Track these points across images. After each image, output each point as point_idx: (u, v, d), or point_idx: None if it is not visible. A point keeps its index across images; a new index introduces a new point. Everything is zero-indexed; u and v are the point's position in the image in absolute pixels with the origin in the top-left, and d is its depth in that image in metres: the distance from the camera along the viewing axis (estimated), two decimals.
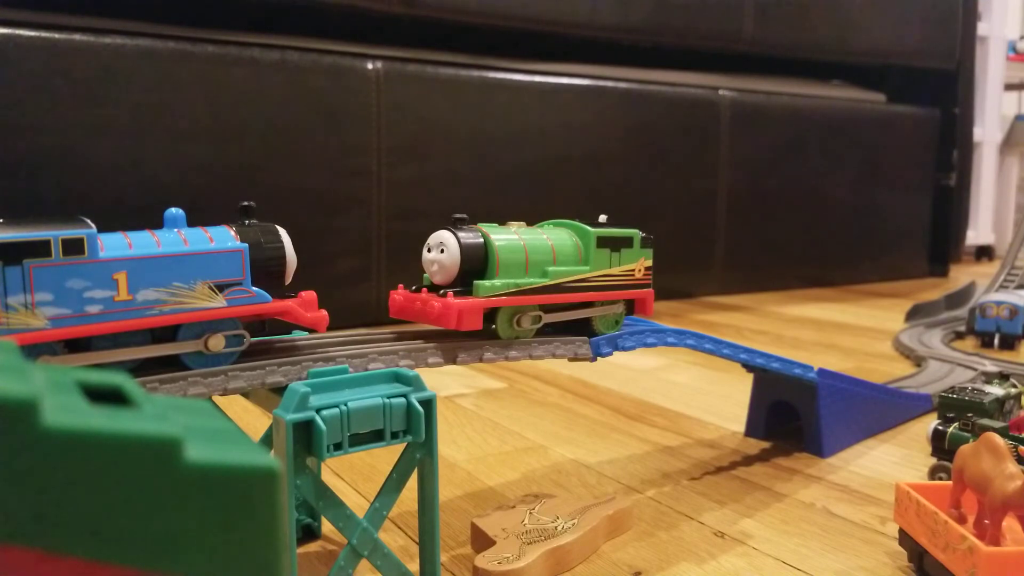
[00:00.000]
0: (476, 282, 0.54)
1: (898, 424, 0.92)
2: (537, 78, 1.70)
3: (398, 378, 0.47)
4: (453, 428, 0.91)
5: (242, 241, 0.47)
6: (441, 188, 1.58)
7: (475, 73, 1.62)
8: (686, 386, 1.11)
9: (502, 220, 0.63)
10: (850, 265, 2.32)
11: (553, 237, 0.60)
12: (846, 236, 2.29)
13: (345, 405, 0.43)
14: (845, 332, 1.56)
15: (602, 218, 0.66)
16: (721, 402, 1.02)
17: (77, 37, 1.24)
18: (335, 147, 1.47)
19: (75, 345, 0.42)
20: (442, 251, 0.55)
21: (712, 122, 1.99)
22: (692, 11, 1.86)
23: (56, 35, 1.22)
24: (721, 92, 1.99)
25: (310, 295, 0.49)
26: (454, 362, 0.54)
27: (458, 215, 0.56)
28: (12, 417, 0.15)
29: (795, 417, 0.84)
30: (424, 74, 1.55)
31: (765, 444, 0.86)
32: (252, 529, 0.18)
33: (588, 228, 0.62)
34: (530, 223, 0.64)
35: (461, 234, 0.55)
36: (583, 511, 0.62)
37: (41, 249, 0.39)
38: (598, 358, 0.63)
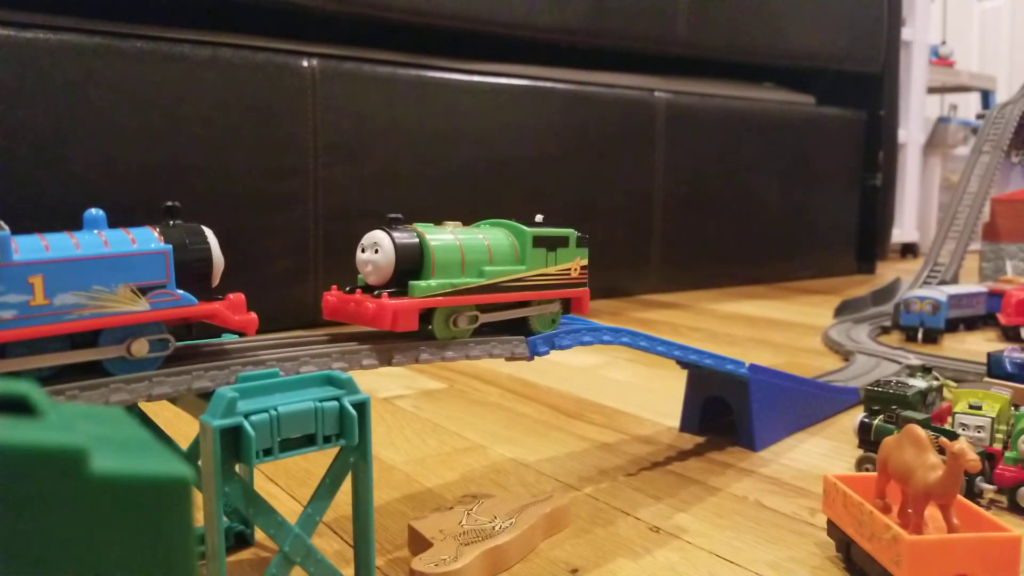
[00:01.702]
0: (411, 282, 0.54)
1: (827, 417, 0.95)
2: (476, 78, 1.69)
3: (331, 381, 0.46)
4: (391, 430, 0.90)
5: (166, 242, 0.46)
6: (379, 188, 1.56)
7: (412, 72, 1.61)
8: (623, 383, 1.12)
9: (439, 220, 0.63)
10: (782, 263, 2.38)
11: (489, 237, 0.60)
12: (778, 235, 2.35)
13: (275, 410, 0.43)
14: (777, 328, 1.60)
15: (538, 218, 0.66)
16: (657, 398, 1.03)
17: None
18: (270, 146, 1.44)
19: None
20: (376, 251, 0.54)
21: (648, 123, 2.02)
22: (628, 13, 1.89)
23: None
24: (657, 94, 2.02)
25: (239, 297, 0.48)
26: (389, 363, 0.54)
27: (392, 215, 0.56)
28: None
29: (728, 412, 0.86)
30: (361, 72, 1.54)
31: (699, 439, 0.87)
32: (165, 538, 0.18)
33: (524, 228, 0.62)
34: (469, 223, 0.64)
35: (396, 234, 0.55)
36: (521, 510, 0.62)
37: None
38: (535, 357, 0.63)
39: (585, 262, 0.66)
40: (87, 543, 0.17)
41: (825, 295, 2.10)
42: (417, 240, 0.55)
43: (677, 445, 0.85)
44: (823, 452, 0.83)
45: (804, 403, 0.92)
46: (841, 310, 1.70)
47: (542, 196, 1.81)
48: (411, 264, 0.55)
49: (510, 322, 0.63)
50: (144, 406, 0.52)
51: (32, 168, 1.23)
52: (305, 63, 1.47)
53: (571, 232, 0.65)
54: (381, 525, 0.65)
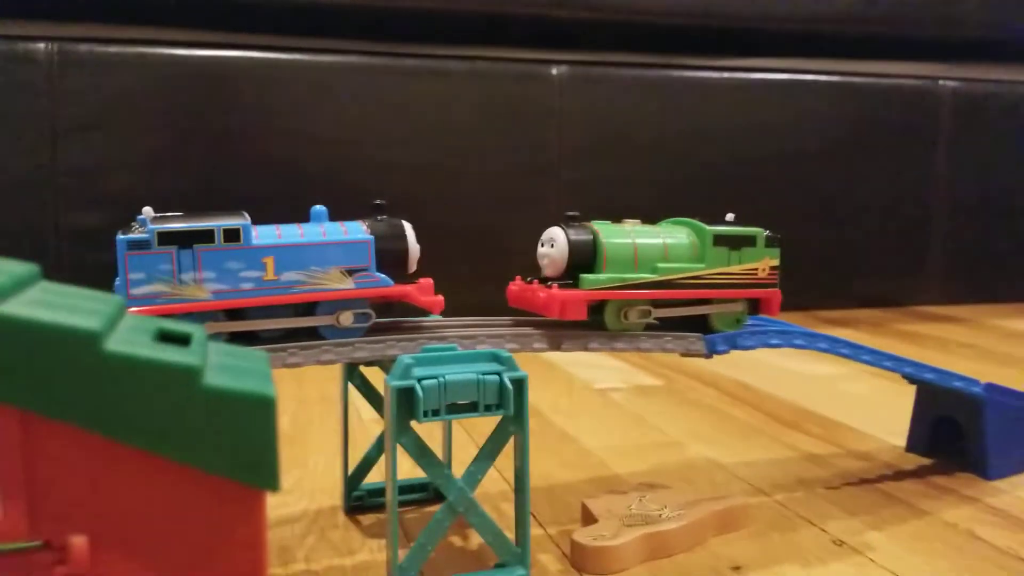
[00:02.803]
0: (581, 275, 0.58)
1: None
2: (725, 74, 1.67)
3: (496, 358, 0.52)
4: (596, 418, 0.94)
5: (371, 234, 0.55)
6: (619, 188, 1.61)
7: (658, 72, 1.63)
8: (857, 397, 1.06)
9: (655, 219, 0.66)
10: None
11: (668, 235, 0.63)
12: None
13: (443, 377, 0.49)
14: None
15: (729, 216, 0.67)
16: (891, 415, 0.96)
17: (293, 57, 1.42)
18: (520, 149, 1.55)
19: (233, 314, 0.51)
20: (552, 246, 0.59)
21: (930, 115, 1.84)
22: None
23: (273, 55, 1.41)
24: (941, 83, 1.84)
25: (427, 281, 0.56)
26: (559, 348, 0.59)
27: (570, 213, 0.61)
28: (80, 343, 0.22)
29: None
30: (606, 76, 1.60)
31: (925, 461, 0.81)
32: (251, 443, 0.24)
33: (704, 226, 0.63)
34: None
35: (570, 231, 0.59)
36: (693, 504, 0.63)
37: (207, 236, 0.49)
38: (714, 355, 0.64)
39: (775, 262, 0.65)
40: (195, 434, 0.24)
41: None
42: (590, 237, 0.59)
43: (896, 464, 0.80)
44: None
45: None
46: None
47: (793, 195, 1.74)
48: (584, 259, 0.59)
49: (690, 320, 0.64)
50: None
51: (325, 169, 1.44)
52: (554, 71, 1.56)
53: (759, 231, 0.65)
54: (563, 500, 0.70)
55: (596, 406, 1.00)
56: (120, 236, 0.47)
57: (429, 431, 0.53)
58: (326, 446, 0.84)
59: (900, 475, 0.77)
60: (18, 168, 1.28)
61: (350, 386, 0.66)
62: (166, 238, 0.48)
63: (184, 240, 0.49)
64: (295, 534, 0.62)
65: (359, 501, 0.66)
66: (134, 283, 0.47)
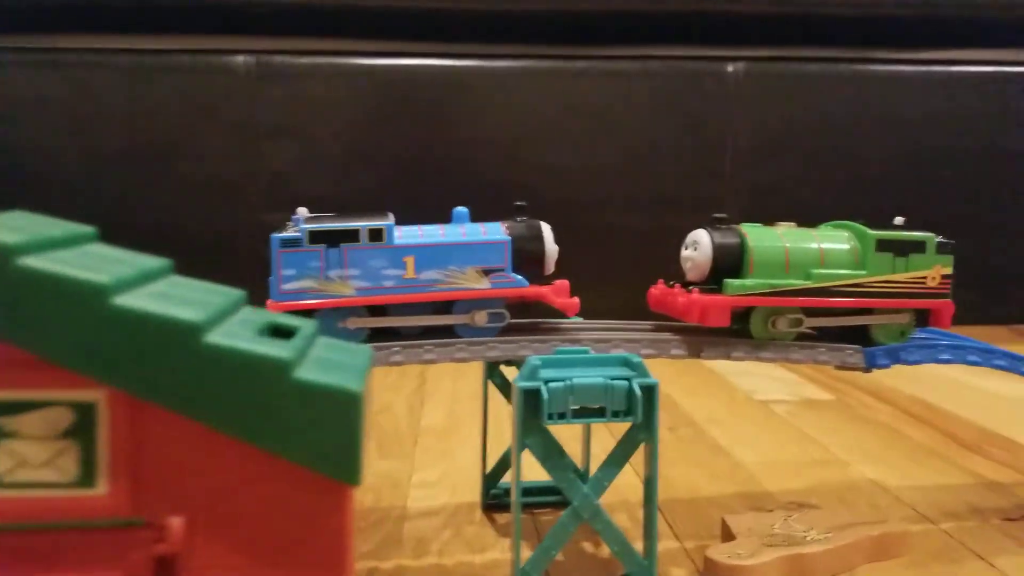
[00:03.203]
0: (725, 280, 0.56)
1: None
2: (922, 68, 1.54)
3: (627, 363, 0.51)
4: (755, 431, 0.90)
5: (510, 235, 0.55)
6: (800, 189, 1.52)
7: (845, 67, 1.53)
8: None
9: (816, 222, 0.62)
10: None
11: (825, 239, 0.59)
12: None
13: (570, 380, 0.49)
14: None
15: (898, 220, 0.61)
16: None
17: (467, 63, 1.47)
18: (692, 150, 1.51)
19: (375, 311, 0.54)
20: (696, 249, 0.57)
21: None
22: None
23: (449, 63, 1.47)
24: None
25: (563, 283, 0.56)
26: (698, 356, 0.56)
27: (717, 215, 0.58)
28: (180, 333, 0.24)
29: None
30: (788, 71, 1.51)
31: None
32: (336, 437, 0.25)
33: (867, 230, 0.58)
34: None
35: (716, 233, 0.57)
36: (844, 527, 0.59)
37: (353, 236, 0.52)
38: (874, 369, 0.59)
39: (948, 270, 0.59)
40: (285, 423, 0.25)
41: None
42: (737, 240, 0.57)
43: None
44: None
45: None
46: None
47: (998, 197, 1.57)
48: (729, 262, 0.56)
49: (849, 330, 0.60)
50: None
51: (496, 171, 1.48)
52: (730, 68, 1.50)
53: (929, 236, 0.59)
54: (706, 514, 0.67)
55: (756, 418, 0.95)
56: (274, 235, 0.51)
57: (569, 433, 0.52)
58: (476, 442, 0.86)
59: None
60: (227, 172, 1.42)
61: (491, 385, 0.67)
62: (316, 237, 0.51)
63: (332, 239, 0.52)
64: (433, 527, 0.64)
65: (496, 499, 0.68)
66: (285, 279, 0.51)
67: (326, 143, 1.45)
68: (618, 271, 1.48)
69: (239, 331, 0.26)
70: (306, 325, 0.30)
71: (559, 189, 1.48)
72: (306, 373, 0.26)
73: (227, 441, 0.25)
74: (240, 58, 1.40)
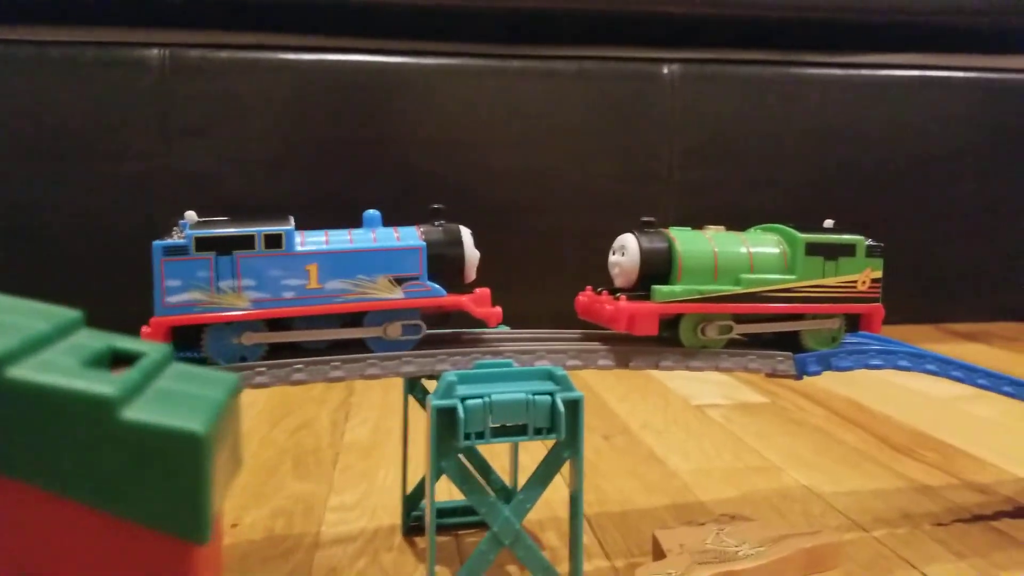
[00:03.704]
0: (653, 287, 0.53)
1: None
2: (851, 71, 1.55)
3: (551, 377, 0.48)
4: (690, 438, 0.88)
5: (425, 241, 0.51)
6: (737, 192, 1.52)
7: (779, 70, 1.53)
8: (984, 420, 0.94)
9: (744, 226, 0.60)
10: None
11: (754, 243, 0.56)
12: None
13: (489, 397, 0.46)
14: None
15: (828, 223, 0.60)
16: (1022, 443, 0.85)
17: (399, 60, 1.42)
18: (628, 151, 1.49)
19: (275, 324, 0.49)
20: (623, 254, 0.54)
21: None
22: None
23: (380, 59, 1.42)
24: None
25: (484, 291, 0.52)
26: (626, 366, 0.54)
27: (646, 219, 0.55)
28: None
29: None
30: (722, 74, 1.51)
31: None
32: (176, 486, 0.21)
33: (797, 233, 0.56)
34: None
35: (643, 238, 0.54)
36: (777, 540, 0.57)
37: (247, 242, 0.48)
38: (806, 376, 0.57)
39: (878, 274, 0.58)
40: (114, 477, 0.21)
41: None
42: (665, 245, 0.54)
43: (1017, 500, 0.70)
44: None
45: None
46: None
47: (925, 200, 1.59)
48: (657, 268, 0.54)
49: (780, 337, 0.58)
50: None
51: (430, 173, 1.44)
52: (665, 69, 1.49)
53: (859, 239, 0.57)
54: (638, 529, 0.64)
55: (691, 424, 0.93)
56: (156, 242, 0.46)
57: (498, 445, 0.48)
58: (400, 460, 0.82)
59: (1020, 512, 0.67)
60: (140, 172, 1.34)
61: (413, 400, 0.63)
62: (204, 243, 0.47)
63: (223, 246, 0.47)
64: (347, 554, 0.59)
65: (418, 522, 0.63)
66: (170, 291, 0.46)
67: (248, 141, 1.38)
68: (557, 275, 1.45)
69: (59, 361, 0.22)
70: (154, 350, 0.26)
71: (496, 191, 1.45)
72: (138, 412, 0.21)
73: (49, 497, 0.21)
74: (154, 51, 1.33)
